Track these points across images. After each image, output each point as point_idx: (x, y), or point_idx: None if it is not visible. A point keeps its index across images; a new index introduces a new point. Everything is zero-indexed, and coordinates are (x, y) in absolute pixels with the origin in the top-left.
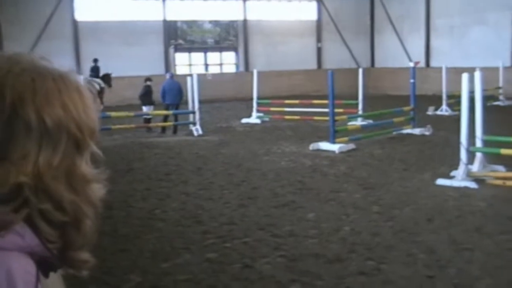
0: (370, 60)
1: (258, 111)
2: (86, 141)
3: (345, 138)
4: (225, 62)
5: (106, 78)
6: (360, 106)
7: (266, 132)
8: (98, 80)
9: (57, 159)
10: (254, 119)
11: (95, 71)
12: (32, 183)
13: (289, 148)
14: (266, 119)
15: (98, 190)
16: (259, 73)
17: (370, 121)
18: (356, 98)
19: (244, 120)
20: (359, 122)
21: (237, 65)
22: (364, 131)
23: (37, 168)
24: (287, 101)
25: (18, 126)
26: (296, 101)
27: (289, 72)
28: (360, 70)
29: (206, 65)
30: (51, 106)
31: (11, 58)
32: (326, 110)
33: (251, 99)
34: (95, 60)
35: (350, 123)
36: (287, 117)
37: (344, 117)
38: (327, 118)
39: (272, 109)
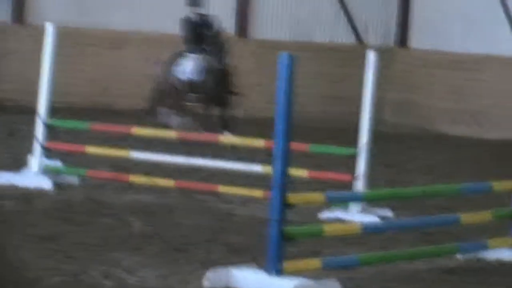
0: (398, 28)
1: (47, 150)
2: None
3: (314, 261)
4: None
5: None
6: (361, 164)
7: (69, 222)
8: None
9: None
10: (35, 176)
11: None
12: None
13: (142, 273)
14: (73, 178)
15: None
16: (60, 31)
17: (388, 214)
18: (352, 139)
19: (1, 176)
20: (357, 213)
21: None
22: (370, 239)
23: None
24: (137, 130)
25: None
26: (172, 133)
27: (140, 36)
28: (371, 55)
29: None
30: None
31: None
32: (255, 167)
33: (32, 111)
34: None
35: (328, 214)
36: (133, 177)
37: (317, 195)
38: (258, 192)
39: (90, 149)
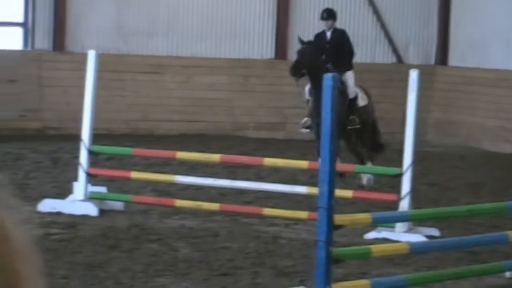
0: (437, 48)
1: (91, 177)
2: None
3: (362, 282)
4: None
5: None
6: (406, 184)
7: (115, 249)
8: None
9: None
10: (81, 203)
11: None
12: None
13: None
14: (118, 204)
15: None
16: (100, 58)
17: (435, 233)
18: (392, 158)
19: (47, 204)
20: (403, 233)
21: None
22: (416, 259)
23: None
24: (181, 154)
25: None
26: (216, 157)
27: (179, 61)
28: (414, 74)
29: None
30: None
31: None
32: (299, 189)
33: (74, 138)
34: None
35: (375, 234)
36: (180, 202)
37: (363, 216)
38: (303, 214)
39: (135, 174)
